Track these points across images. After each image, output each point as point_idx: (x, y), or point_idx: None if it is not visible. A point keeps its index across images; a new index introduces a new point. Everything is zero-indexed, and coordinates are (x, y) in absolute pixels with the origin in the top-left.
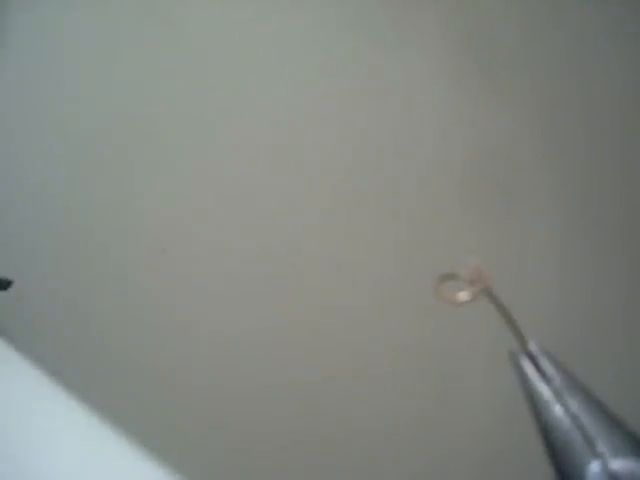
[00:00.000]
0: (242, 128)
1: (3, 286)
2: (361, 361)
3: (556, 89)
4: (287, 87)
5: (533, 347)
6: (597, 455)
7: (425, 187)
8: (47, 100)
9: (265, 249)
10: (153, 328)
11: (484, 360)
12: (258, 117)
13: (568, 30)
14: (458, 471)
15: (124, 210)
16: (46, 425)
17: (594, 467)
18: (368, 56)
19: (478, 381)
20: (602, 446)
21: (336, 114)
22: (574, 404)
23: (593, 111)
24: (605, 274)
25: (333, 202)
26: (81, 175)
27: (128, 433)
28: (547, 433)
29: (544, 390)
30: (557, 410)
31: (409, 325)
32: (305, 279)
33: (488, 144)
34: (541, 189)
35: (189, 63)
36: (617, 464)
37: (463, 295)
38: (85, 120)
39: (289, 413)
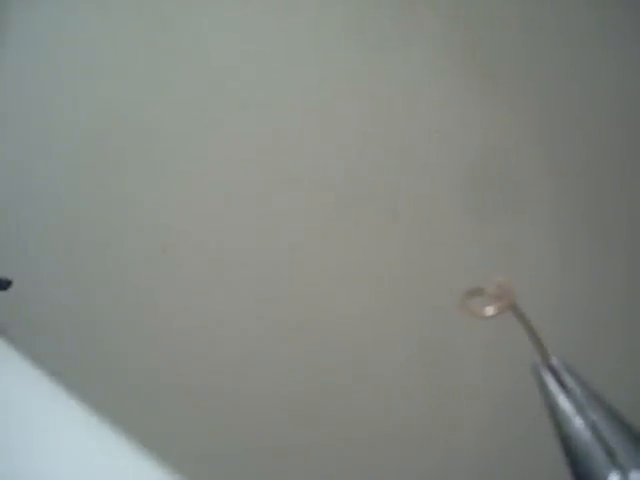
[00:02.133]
0: (243, 129)
1: (3, 286)
2: (362, 363)
3: (558, 92)
4: (288, 88)
5: (555, 361)
6: (617, 467)
7: (426, 188)
8: (47, 99)
9: (265, 251)
10: (153, 328)
11: (485, 363)
12: (259, 118)
13: (569, 33)
14: (460, 471)
15: (124, 211)
16: (46, 425)
17: (613, 479)
18: (370, 57)
19: (479, 383)
20: (622, 458)
21: (338, 115)
22: (595, 416)
23: (594, 114)
24: (605, 277)
25: (333, 204)
26: (81, 175)
27: (127, 433)
28: (568, 444)
29: (565, 403)
30: (578, 422)
31: (410, 327)
32: (305, 280)
33: (490, 146)
34: (542, 191)
35: (190, 62)
36: (637, 476)
37: (489, 310)
38: (85, 120)
39: (290, 414)
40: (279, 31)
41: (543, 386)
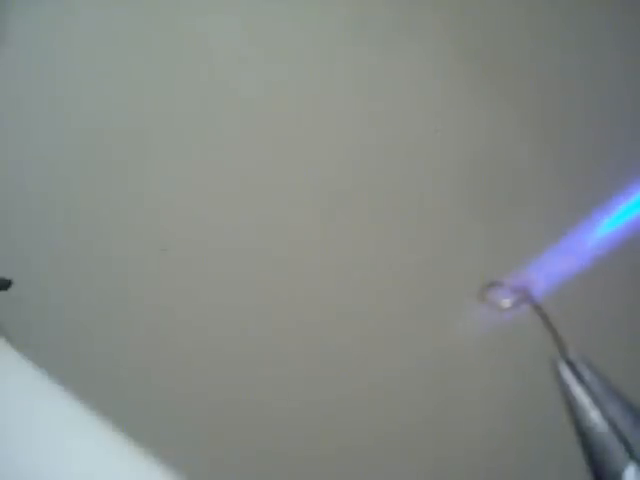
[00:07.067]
0: (242, 128)
1: (3, 286)
2: (360, 363)
3: (559, 92)
4: (286, 87)
5: (573, 355)
6: (634, 460)
7: (425, 189)
8: (48, 98)
9: (266, 250)
10: (153, 328)
11: (484, 362)
12: (258, 117)
13: (571, 32)
14: (471, 469)
15: (124, 210)
16: (46, 425)
17: (630, 471)
18: (369, 56)
19: (478, 384)
20: (639, 451)
21: (336, 115)
22: (612, 410)
23: (596, 114)
24: (606, 275)
25: (336, 204)
26: (81, 175)
27: (128, 433)
28: (585, 438)
29: (583, 397)
30: (595, 416)
31: (408, 327)
32: (307, 280)
33: (490, 146)
34: (543, 191)
35: (190, 62)
36: None
37: (507, 302)
38: (86, 119)
39: (288, 416)
40: (278, 29)
41: (560, 380)
